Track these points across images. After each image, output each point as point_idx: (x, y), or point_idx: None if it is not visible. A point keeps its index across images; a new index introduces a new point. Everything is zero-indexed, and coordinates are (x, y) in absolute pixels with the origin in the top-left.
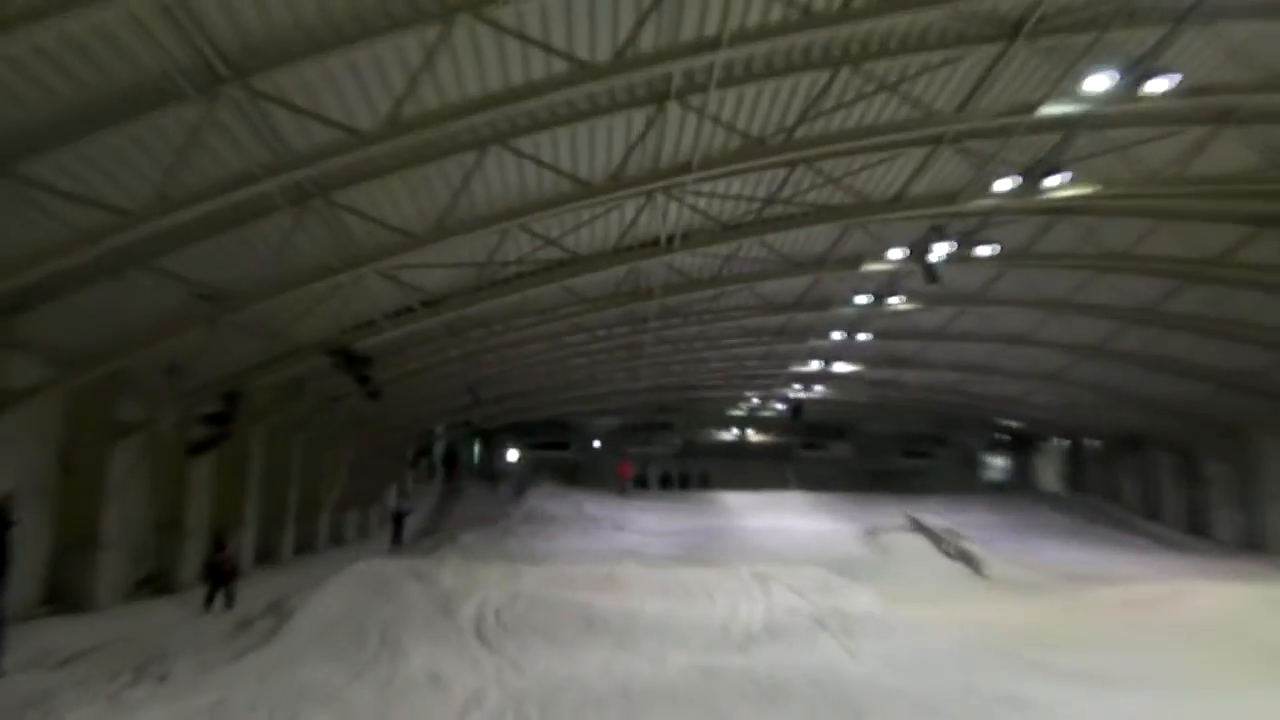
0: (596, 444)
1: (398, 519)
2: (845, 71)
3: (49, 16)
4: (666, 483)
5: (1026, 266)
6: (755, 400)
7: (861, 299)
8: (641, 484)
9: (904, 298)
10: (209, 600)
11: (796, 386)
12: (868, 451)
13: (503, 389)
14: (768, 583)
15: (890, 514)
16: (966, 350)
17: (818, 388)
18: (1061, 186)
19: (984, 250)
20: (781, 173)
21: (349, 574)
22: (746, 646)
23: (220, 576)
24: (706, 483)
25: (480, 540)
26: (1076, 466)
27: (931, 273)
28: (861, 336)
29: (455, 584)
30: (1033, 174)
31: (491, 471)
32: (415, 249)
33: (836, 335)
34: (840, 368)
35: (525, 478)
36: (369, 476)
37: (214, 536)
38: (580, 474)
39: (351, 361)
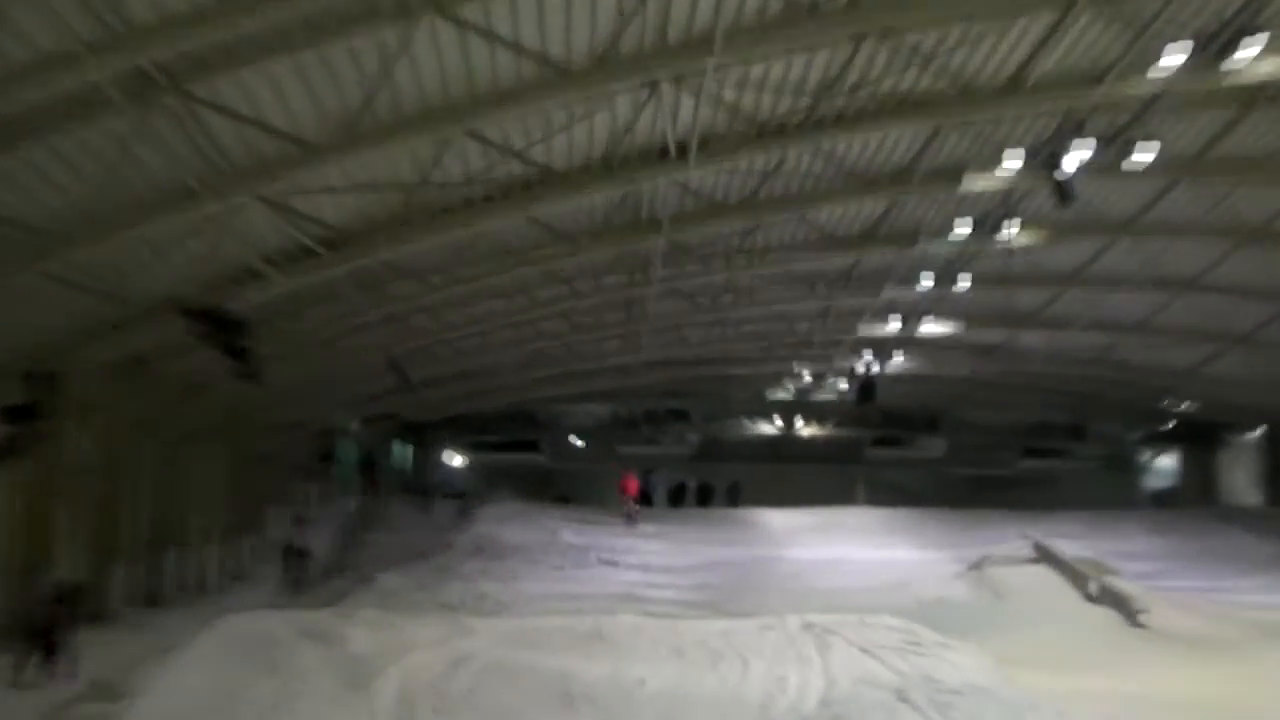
0: (577, 443)
1: (291, 555)
2: None
3: None
4: (679, 497)
5: (1204, 179)
6: (807, 378)
7: (961, 230)
8: (643, 500)
9: (1023, 227)
10: (18, 669)
11: (866, 357)
12: (970, 450)
13: (442, 367)
14: (826, 640)
15: (1004, 538)
16: (1116, 302)
17: (897, 358)
18: (1257, 58)
19: (1142, 156)
20: (844, 49)
21: (216, 635)
22: None
23: (44, 637)
24: (736, 497)
25: (409, 583)
26: None
27: (1064, 190)
28: (961, 284)
29: (372, 646)
30: (1214, 41)
31: (425, 485)
32: (312, 164)
33: (925, 282)
34: (930, 329)
35: (475, 493)
36: (248, 495)
37: (39, 581)
38: (554, 486)
39: (221, 328)
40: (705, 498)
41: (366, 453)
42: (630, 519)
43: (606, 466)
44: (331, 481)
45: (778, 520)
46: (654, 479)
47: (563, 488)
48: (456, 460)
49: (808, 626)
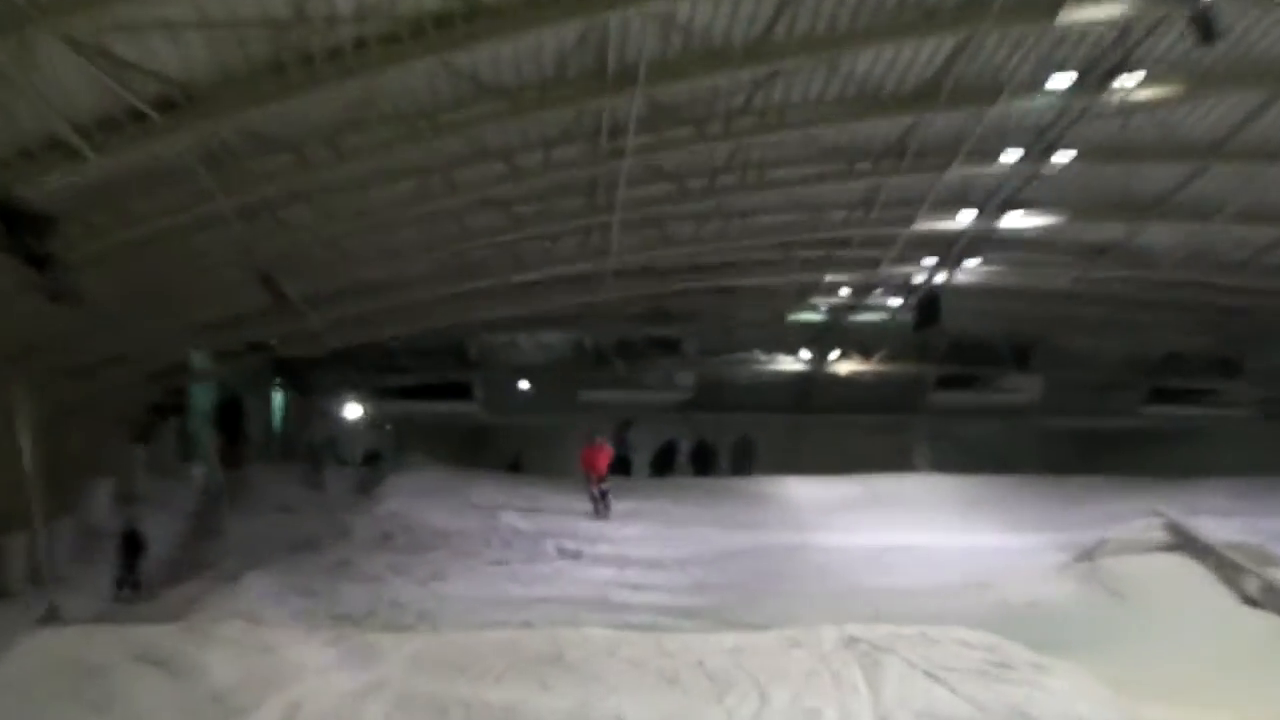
0: (524, 387)
1: (128, 544)
2: None
3: None
4: (666, 462)
5: None
6: (843, 293)
7: (1059, 80)
8: (618, 466)
9: (1148, 78)
10: None
11: (927, 264)
12: (1074, 393)
13: (330, 280)
14: (876, 660)
15: (1124, 516)
16: None
17: (970, 265)
18: None
19: None
20: None
21: (19, 659)
22: None
23: None
24: (747, 461)
25: (289, 586)
26: None
27: (1206, 22)
28: (1059, 157)
29: (237, 676)
30: None
31: (312, 447)
32: None
33: (1009, 155)
34: (1017, 222)
35: (383, 458)
36: (57, 463)
37: None
38: (493, 448)
39: (13, 227)
40: (704, 462)
41: (226, 402)
42: (599, 505)
43: (566, 419)
44: (176, 443)
45: (805, 493)
46: (632, 437)
47: (505, 451)
48: (355, 412)
49: (850, 642)
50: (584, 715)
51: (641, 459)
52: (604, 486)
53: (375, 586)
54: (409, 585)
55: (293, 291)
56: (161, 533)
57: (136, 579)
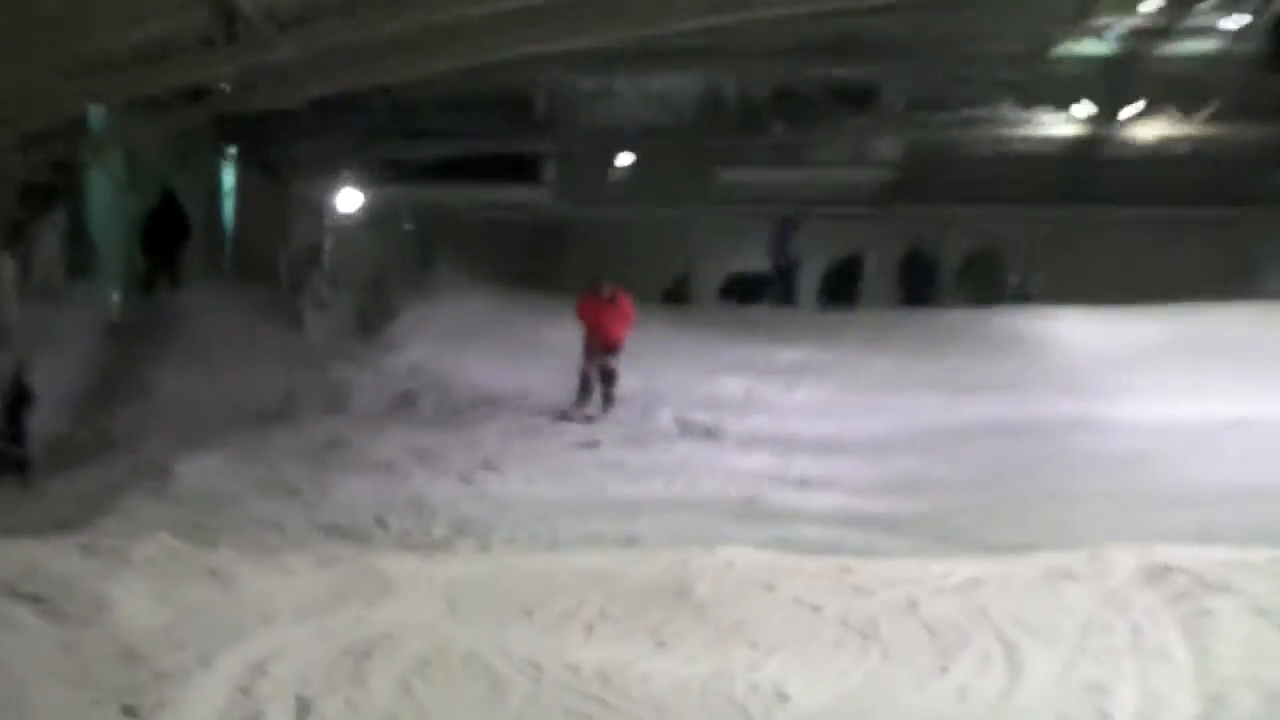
0: (623, 163)
1: (9, 399)
2: None
3: None
4: (846, 283)
5: None
6: (1148, 5)
7: None
8: (780, 289)
9: None
10: None
11: None
12: None
13: None
14: (1203, 605)
15: None
16: None
17: None
18: None
19: None
20: None
21: None
22: None
23: None
24: (987, 281)
25: (248, 476)
26: None
27: None
28: None
29: (163, 622)
30: None
31: (285, 259)
32: None
33: None
34: None
35: (397, 277)
36: None
37: None
38: (573, 258)
39: None
40: (917, 284)
41: (154, 186)
42: (586, 395)
43: (692, 214)
44: (63, 248)
45: (1081, 334)
46: (797, 243)
47: (590, 262)
48: (354, 203)
49: (1158, 575)
50: (723, 690)
51: (807, 276)
52: (610, 364)
53: (387, 481)
54: (441, 479)
55: (250, 1)
56: (45, 390)
57: (21, 455)
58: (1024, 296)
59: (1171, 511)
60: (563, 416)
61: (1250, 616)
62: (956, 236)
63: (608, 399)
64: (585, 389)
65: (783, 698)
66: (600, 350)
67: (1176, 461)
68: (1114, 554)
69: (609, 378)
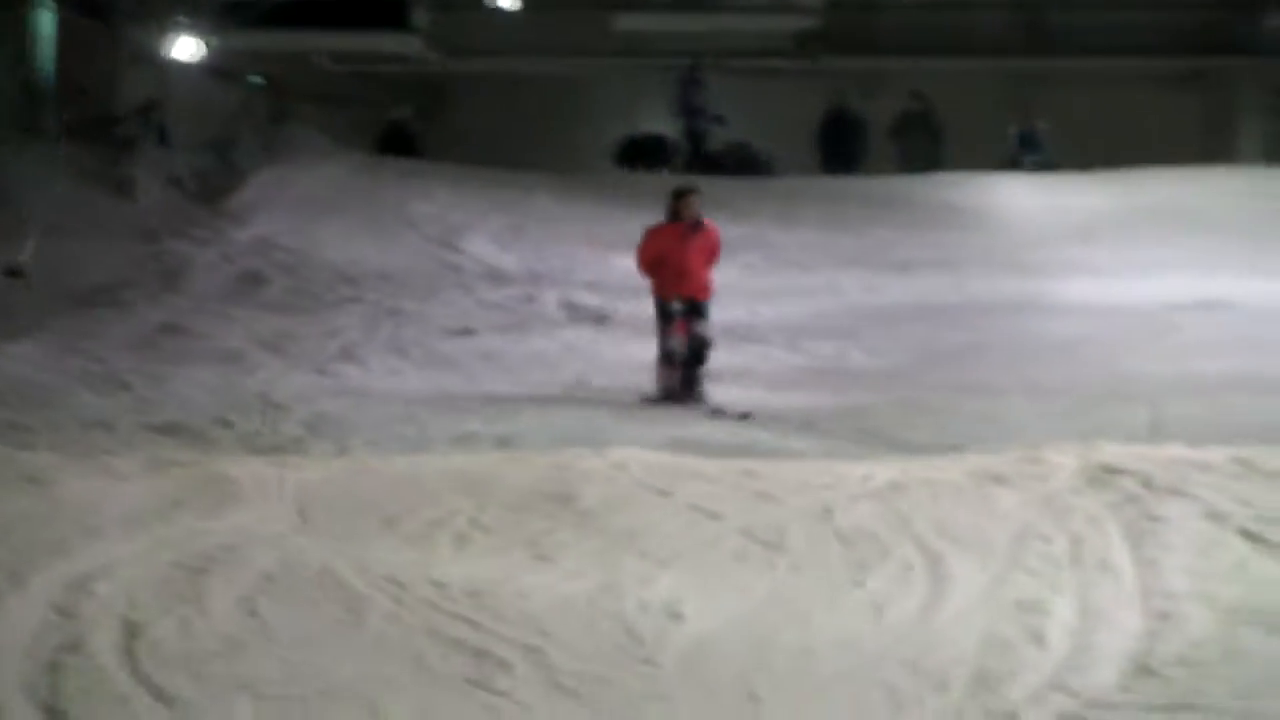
0: (505, 4)
1: None
2: None
3: None
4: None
5: None
6: None
7: None
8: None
9: None
10: None
11: None
12: None
13: None
14: (1151, 510)
15: None
16: None
17: None
18: None
19: None
20: None
21: None
22: None
23: None
24: (922, 142)
25: (69, 365)
26: None
27: None
28: None
29: None
30: None
31: (112, 116)
32: None
33: None
34: None
35: (247, 137)
36: None
37: None
38: (449, 120)
39: None
40: (841, 147)
41: None
42: (672, 375)
43: (586, 69)
44: None
45: (1028, 204)
46: (705, 97)
47: (473, 128)
48: (190, 52)
49: (1102, 476)
50: (610, 608)
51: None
52: (700, 328)
53: (231, 373)
54: (292, 372)
55: None
56: None
57: None
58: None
59: (1118, 406)
60: (667, 399)
61: (1204, 523)
62: (885, 94)
63: (690, 382)
64: (666, 364)
65: (677, 617)
66: (680, 304)
67: (1126, 349)
68: (1052, 454)
69: (699, 350)
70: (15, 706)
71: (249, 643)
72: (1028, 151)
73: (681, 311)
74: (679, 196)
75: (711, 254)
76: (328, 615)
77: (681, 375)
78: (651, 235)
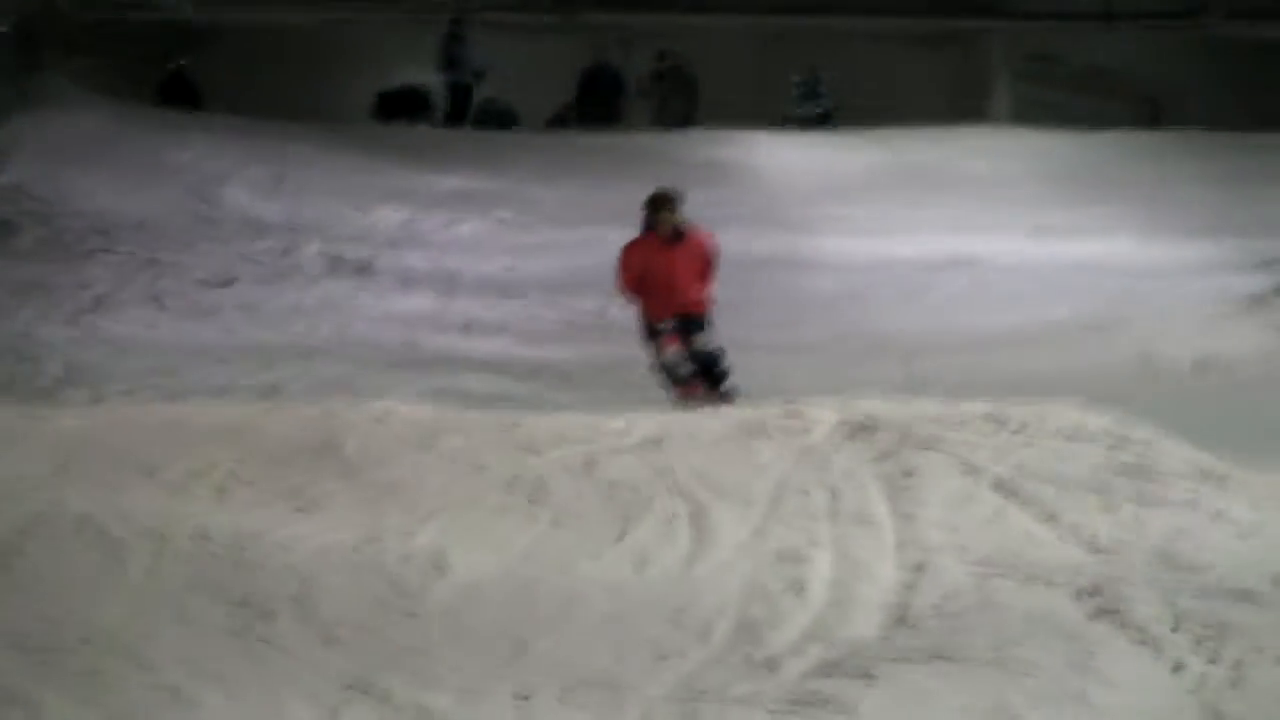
0: None
1: None
2: None
3: None
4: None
5: None
6: None
7: None
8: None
9: None
10: None
11: None
12: None
13: None
14: (908, 464)
15: None
16: None
17: None
18: None
19: None
20: None
21: None
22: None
23: None
24: (681, 98)
25: None
26: None
27: None
28: None
29: None
30: None
31: None
32: None
33: None
34: None
35: None
36: None
37: None
38: (209, 66)
39: None
40: (599, 101)
41: None
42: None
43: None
44: None
45: (789, 161)
46: (468, 49)
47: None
48: None
49: (861, 430)
50: (373, 559)
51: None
52: (702, 340)
53: None
54: (46, 320)
55: None
56: None
57: None
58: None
59: (875, 361)
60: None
61: (960, 477)
62: (644, 49)
63: (728, 399)
64: (679, 376)
65: (441, 568)
66: (676, 322)
67: (883, 305)
68: (811, 408)
69: (711, 364)
70: None
71: (7, 594)
72: (809, 101)
73: (671, 329)
74: (651, 207)
75: (704, 264)
76: (88, 564)
77: (707, 394)
78: (629, 251)
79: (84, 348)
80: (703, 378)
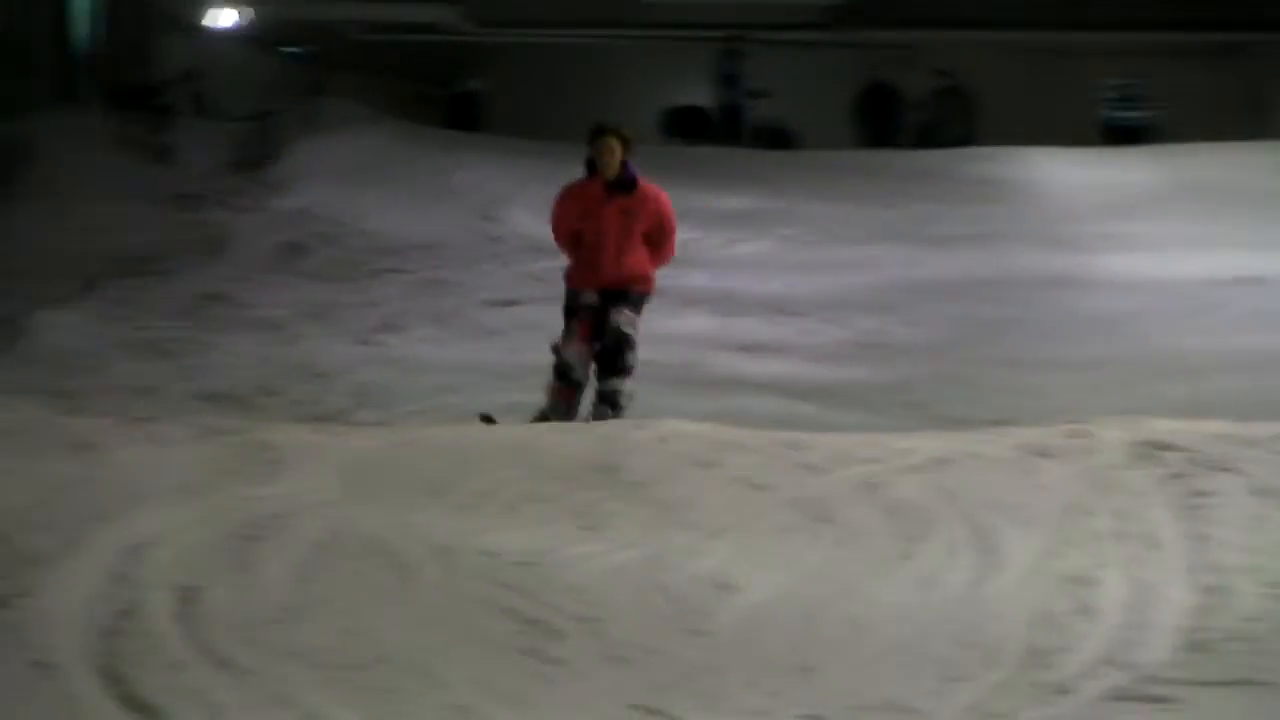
0: None
1: None
2: None
3: None
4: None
5: None
6: None
7: None
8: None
9: None
10: None
11: None
12: None
13: None
14: (1200, 487)
15: None
16: None
17: None
18: None
19: None
20: None
21: None
22: None
23: None
24: (958, 115)
25: (111, 334)
26: None
27: None
28: None
29: (26, 501)
30: None
31: (152, 85)
32: None
33: None
34: None
35: (285, 104)
36: None
37: None
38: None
39: None
40: (877, 120)
41: None
42: (568, 396)
43: (614, 38)
44: None
45: (1067, 177)
46: (741, 70)
47: (511, 101)
48: (228, 19)
49: (1149, 452)
50: (659, 579)
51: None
52: (619, 321)
53: (273, 342)
54: (335, 341)
55: None
56: None
57: None
58: (999, 136)
59: (1163, 381)
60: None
61: (1251, 498)
62: (921, 67)
63: (609, 400)
64: (565, 376)
65: (727, 588)
66: (599, 299)
67: (1170, 324)
68: (1097, 429)
69: (615, 351)
70: (73, 672)
71: (303, 610)
72: (1124, 109)
73: (590, 309)
74: (591, 137)
75: (653, 227)
76: (379, 583)
77: (598, 390)
78: (563, 197)
79: (372, 368)
80: (599, 363)
